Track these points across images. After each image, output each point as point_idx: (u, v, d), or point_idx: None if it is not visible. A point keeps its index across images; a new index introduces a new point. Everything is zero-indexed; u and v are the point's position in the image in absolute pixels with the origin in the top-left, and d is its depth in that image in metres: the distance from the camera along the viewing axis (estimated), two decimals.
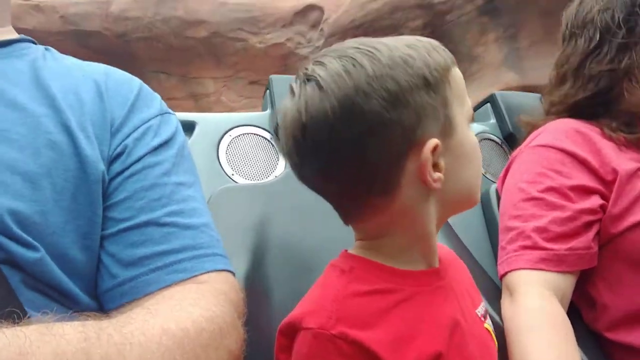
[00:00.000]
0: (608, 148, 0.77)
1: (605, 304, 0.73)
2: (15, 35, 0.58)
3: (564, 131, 0.81)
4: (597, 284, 0.75)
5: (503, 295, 0.72)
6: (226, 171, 0.96)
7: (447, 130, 0.45)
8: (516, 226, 0.75)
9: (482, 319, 0.52)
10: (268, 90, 1.10)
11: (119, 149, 0.53)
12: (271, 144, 1.03)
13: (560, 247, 0.71)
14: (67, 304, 0.47)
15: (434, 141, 0.44)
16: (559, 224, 0.73)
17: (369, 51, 0.43)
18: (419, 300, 0.46)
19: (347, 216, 0.50)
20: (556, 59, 0.91)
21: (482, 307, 0.54)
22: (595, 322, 0.76)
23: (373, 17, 5.36)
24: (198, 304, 0.46)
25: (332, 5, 5.65)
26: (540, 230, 0.73)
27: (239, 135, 1.01)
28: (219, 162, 0.96)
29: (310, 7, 5.78)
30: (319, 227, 0.79)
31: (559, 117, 0.87)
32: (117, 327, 0.41)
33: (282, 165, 1.00)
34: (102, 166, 0.51)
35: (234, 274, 0.55)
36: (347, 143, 0.43)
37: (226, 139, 1.00)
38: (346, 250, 0.51)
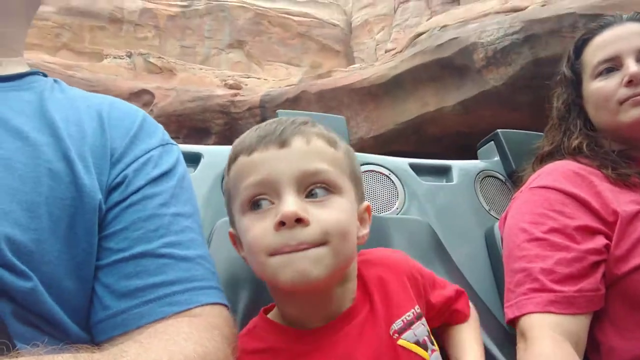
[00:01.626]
0: (607, 190, 0.77)
1: (612, 347, 0.71)
2: (26, 68, 0.60)
3: (562, 173, 0.82)
4: (604, 327, 0.73)
5: (517, 341, 0.71)
6: None
7: (233, 220, 0.57)
8: (522, 268, 0.74)
9: (396, 335, 0.55)
10: None
11: (118, 179, 0.53)
12: None
13: (569, 289, 0.70)
14: (57, 336, 0.46)
15: (230, 231, 0.59)
16: (565, 265, 0.71)
17: None
18: (302, 358, 0.51)
19: None
20: None
21: (400, 322, 0.56)
22: None
23: (189, 112, 8.31)
24: (191, 338, 0.46)
25: (161, 95, 8.29)
26: (547, 272, 0.72)
27: None
28: (223, 194, 0.97)
29: (143, 91, 8.26)
30: None
31: (556, 159, 0.89)
32: None
33: None
34: (99, 196, 0.51)
35: (228, 307, 0.55)
36: None
37: None
38: (262, 311, 0.59)
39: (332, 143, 0.55)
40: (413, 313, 0.58)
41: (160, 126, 0.63)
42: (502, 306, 0.88)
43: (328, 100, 8.01)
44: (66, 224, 0.48)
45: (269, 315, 0.59)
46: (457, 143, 6.82)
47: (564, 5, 6.05)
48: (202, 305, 0.51)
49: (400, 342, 0.55)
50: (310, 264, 0.48)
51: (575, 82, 0.91)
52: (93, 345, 0.45)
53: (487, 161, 1.27)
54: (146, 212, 0.53)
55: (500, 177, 1.22)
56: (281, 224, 0.48)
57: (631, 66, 0.81)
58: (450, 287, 0.68)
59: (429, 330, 0.59)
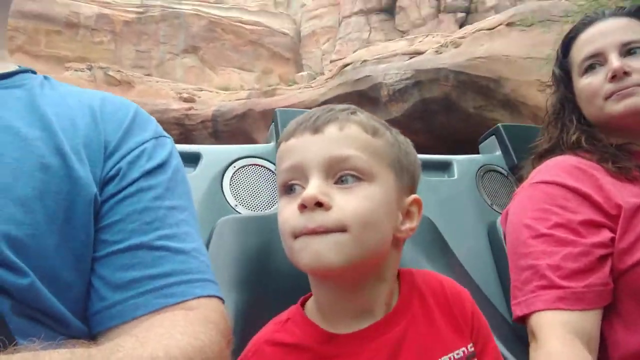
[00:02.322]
0: (609, 184, 0.76)
1: (617, 341, 0.70)
2: (14, 67, 0.59)
3: (563, 168, 0.81)
4: (611, 321, 0.71)
5: (530, 340, 0.70)
6: (230, 202, 0.96)
7: None
8: (529, 265, 0.73)
9: None
10: (273, 123, 1.11)
11: (112, 172, 0.53)
12: (275, 175, 1.03)
13: (577, 284, 0.69)
14: (57, 328, 0.46)
15: None
16: (572, 260, 0.70)
17: None
18: None
19: None
20: None
21: (448, 357, 0.51)
22: (608, 357, 0.72)
23: None
24: (187, 332, 0.45)
25: None
26: (554, 268, 0.70)
27: (243, 167, 1.02)
28: (223, 193, 0.96)
29: None
30: None
31: (555, 154, 0.88)
32: (105, 355, 0.40)
33: None
34: (94, 188, 0.50)
35: (223, 300, 0.54)
36: None
37: (230, 171, 1.00)
38: (300, 302, 0.57)
39: (370, 130, 0.53)
40: (464, 352, 0.53)
41: (153, 119, 0.62)
42: (506, 301, 0.88)
43: (270, 119, 9.56)
44: (62, 217, 0.48)
45: (306, 306, 0.57)
46: None
47: (440, 61, 8.96)
48: (198, 297, 0.50)
49: None
50: (326, 248, 0.47)
51: (566, 80, 0.91)
52: (90, 339, 0.46)
53: (488, 155, 1.26)
54: (141, 205, 0.52)
55: (502, 171, 1.21)
56: (303, 206, 0.48)
57: (614, 61, 0.81)
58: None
59: None
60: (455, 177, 1.17)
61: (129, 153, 0.55)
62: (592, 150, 0.83)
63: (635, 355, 0.68)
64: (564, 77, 0.91)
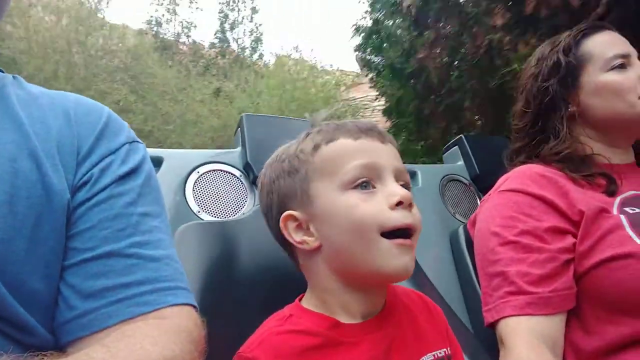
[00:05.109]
0: (573, 191, 0.79)
1: (575, 342, 0.73)
2: None
3: (529, 176, 0.84)
4: (570, 323, 0.75)
5: (499, 346, 0.72)
6: (192, 208, 0.93)
7: (304, 201, 0.55)
8: (498, 272, 0.76)
9: None
10: (239, 128, 1.09)
11: (85, 178, 0.52)
12: (240, 181, 1.02)
13: (544, 290, 0.71)
14: (22, 338, 0.44)
15: (285, 213, 0.56)
16: (538, 267, 0.73)
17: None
18: (336, 349, 0.51)
19: None
20: None
21: (431, 356, 0.55)
22: (565, 358, 0.75)
23: None
24: (159, 342, 0.44)
25: None
26: (522, 274, 0.73)
27: (207, 172, 1.00)
28: (185, 199, 0.94)
29: None
30: (285, 265, 0.77)
31: (521, 163, 0.91)
32: None
33: (250, 203, 0.98)
34: (67, 195, 0.49)
35: (197, 308, 0.53)
36: (265, 220, 0.62)
37: (194, 176, 0.98)
38: (297, 300, 0.59)
39: None
40: (445, 353, 0.57)
41: (125, 124, 0.61)
42: (467, 309, 0.89)
43: None
44: (32, 223, 0.46)
45: (301, 304, 0.58)
46: None
47: None
48: (171, 305, 0.49)
49: None
50: (411, 262, 0.51)
51: (573, 72, 0.89)
52: (58, 350, 0.44)
53: (451, 165, 1.29)
54: (113, 211, 0.51)
55: (464, 180, 1.24)
56: (400, 203, 0.51)
57: None
58: None
59: None
60: (420, 185, 1.19)
61: (101, 159, 0.54)
62: (561, 159, 0.86)
63: (592, 356, 0.72)
64: (571, 68, 0.89)
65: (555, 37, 0.95)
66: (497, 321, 0.72)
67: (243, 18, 12.47)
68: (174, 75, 8.96)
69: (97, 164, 0.53)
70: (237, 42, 12.25)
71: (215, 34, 12.19)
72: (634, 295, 0.69)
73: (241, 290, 0.77)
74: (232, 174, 1.02)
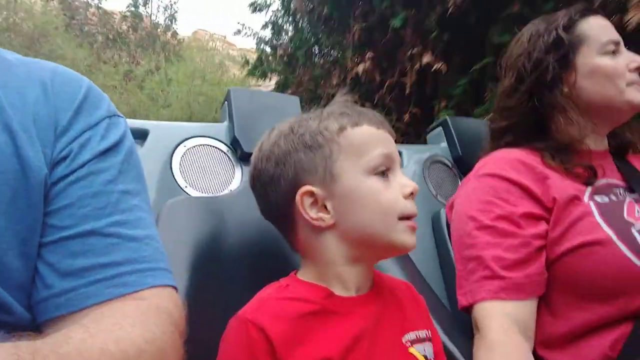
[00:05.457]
0: (550, 178, 0.81)
1: (543, 325, 0.77)
2: None
3: (507, 161, 0.85)
4: (539, 308, 0.78)
5: (474, 330, 0.75)
6: (179, 183, 0.93)
7: (327, 180, 0.56)
8: (474, 255, 0.77)
9: (408, 343, 0.58)
10: (226, 102, 1.08)
11: (63, 153, 0.50)
12: (227, 157, 1.01)
13: (517, 275, 0.74)
14: (0, 317, 0.43)
15: (303, 188, 0.56)
16: (513, 251, 0.75)
17: (271, 130, 0.62)
18: (330, 317, 0.54)
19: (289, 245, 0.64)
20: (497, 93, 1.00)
21: (413, 334, 0.59)
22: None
23: None
24: (138, 323, 0.44)
25: None
26: (497, 258, 0.75)
27: (195, 147, 0.99)
28: (172, 174, 0.93)
29: None
30: (273, 242, 0.78)
31: (500, 147, 0.92)
32: (54, 348, 0.38)
33: (238, 179, 0.98)
34: (45, 169, 0.48)
35: (176, 289, 0.53)
36: (259, 189, 0.62)
37: (180, 150, 0.97)
38: (292, 274, 0.62)
39: None
40: (426, 334, 0.60)
41: (106, 96, 0.59)
42: (447, 290, 0.92)
43: None
44: (8, 198, 0.45)
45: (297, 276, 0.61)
46: None
47: None
48: (151, 287, 0.49)
49: (412, 350, 0.57)
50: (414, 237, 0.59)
51: (571, 51, 0.88)
52: (35, 328, 0.44)
53: (435, 146, 1.31)
54: (93, 189, 0.50)
55: (447, 162, 1.26)
56: (411, 194, 0.58)
57: (638, 56, 0.88)
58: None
59: None
60: (404, 166, 1.20)
61: (81, 133, 0.52)
62: (541, 146, 0.87)
63: (557, 340, 0.76)
64: (569, 46, 0.89)
65: (548, 15, 0.94)
66: (472, 305, 0.75)
67: None
68: (85, 55, 8.68)
69: (76, 138, 0.51)
70: (150, 17, 12.12)
71: (128, 6, 11.98)
72: (602, 281, 0.72)
73: (229, 265, 0.78)
74: (219, 149, 1.01)
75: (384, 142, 0.58)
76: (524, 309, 0.74)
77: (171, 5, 12.63)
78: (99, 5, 11.65)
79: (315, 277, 0.59)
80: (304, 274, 0.60)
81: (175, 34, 12.37)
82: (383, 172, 0.57)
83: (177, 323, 0.49)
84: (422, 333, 0.60)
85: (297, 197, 0.56)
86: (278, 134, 0.60)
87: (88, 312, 0.45)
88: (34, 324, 0.46)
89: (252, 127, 1.03)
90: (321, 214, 0.56)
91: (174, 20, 12.43)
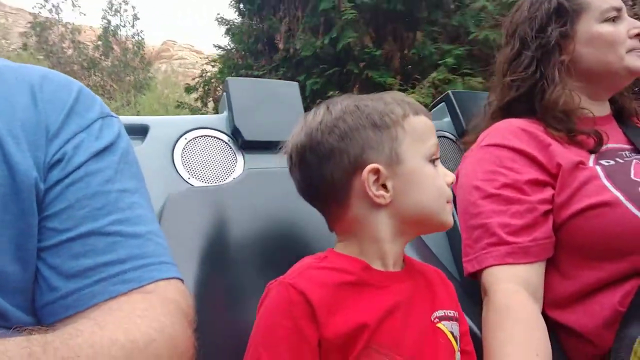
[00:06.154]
0: (553, 145, 0.81)
1: (552, 286, 0.77)
2: None
3: (510, 131, 0.85)
4: (548, 269, 0.78)
5: (482, 295, 0.75)
6: (182, 175, 0.93)
7: (392, 160, 0.58)
8: (480, 223, 0.78)
9: (437, 320, 0.60)
10: (225, 93, 1.08)
11: (57, 156, 0.50)
12: (229, 146, 1.01)
13: (524, 239, 0.74)
14: None
15: (372, 165, 0.57)
16: (519, 217, 0.75)
17: (329, 105, 0.62)
18: (367, 288, 0.57)
19: (327, 221, 0.64)
20: (496, 64, 0.98)
21: (442, 312, 0.61)
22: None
23: None
24: (146, 315, 0.45)
25: None
26: (503, 225, 0.75)
27: (195, 138, 0.99)
28: (175, 166, 0.94)
29: None
30: (277, 228, 0.79)
31: (500, 118, 0.91)
32: (64, 340, 0.38)
33: (240, 168, 0.99)
34: (34, 173, 0.48)
35: (182, 281, 0.54)
36: (311, 160, 0.60)
37: (181, 142, 0.97)
38: (331, 249, 0.63)
39: None
40: (453, 314, 0.63)
41: (98, 98, 0.59)
42: (454, 261, 0.92)
43: None
44: None
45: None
46: None
47: None
48: (156, 281, 0.50)
49: (440, 325, 0.60)
50: None
51: (572, 18, 0.88)
52: (44, 327, 0.43)
53: (438, 122, 1.29)
54: (90, 190, 0.50)
55: (451, 136, 1.25)
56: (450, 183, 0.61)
57: (638, 22, 0.87)
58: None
59: None
60: None
61: (73, 136, 0.52)
62: (545, 114, 0.86)
63: (567, 299, 0.76)
64: (572, 13, 0.88)
65: None
66: (480, 271, 0.75)
67: (126, 24, 13.86)
68: None
69: (69, 140, 0.51)
70: (120, 45, 13.45)
71: (99, 38, 13.42)
72: (610, 240, 0.72)
73: (235, 252, 0.79)
74: (219, 139, 1.01)
75: (435, 134, 0.62)
76: (532, 272, 0.74)
77: (138, 34, 14.05)
78: (73, 39, 12.86)
79: (355, 251, 0.60)
80: (344, 249, 0.61)
81: (143, 59, 13.75)
82: (434, 161, 0.61)
83: (186, 312, 0.50)
84: (450, 312, 0.62)
85: (364, 173, 0.57)
86: (342, 109, 0.60)
87: (96, 309, 0.46)
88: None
89: (252, 115, 1.03)
90: (382, 192, 0.58)
91: (141, 47, 13.78)
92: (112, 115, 0.58)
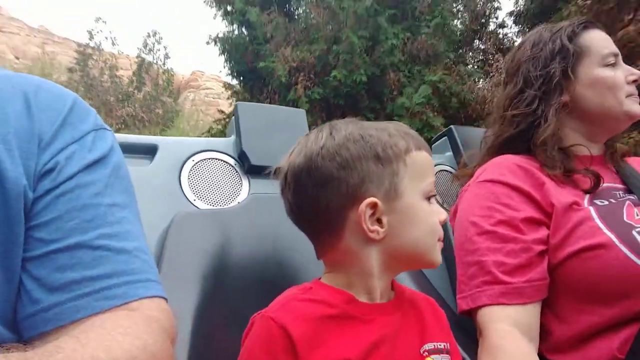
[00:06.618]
0: (548, 183, 0.82)
1: (551, 330, 0.77)
2: None
3: (506, 167, 0.86)
4: (544, 313, 0.78)
5: (478, 334, 0.75)
6: (188, 196, 0.95)
7: (391, 195, 0.57)
8: (475, 260, 0.77)
9: (426, 353, 0.59)
10: (234, 117, 1.10)
11: (49, 165, 0.49)
12: (235, 170, 1.03)
13: (518, 280, 0.74)
14: None
15: (371, 199, 0.56)
16: (514, 256, 0.75)
17: (332, 129, 0.59)
18: (351, 321, 0.55)
19: (316, 251, 0.62)
20: (496, 101, 1.00)
21: (432, 345, 0.60)
22: (540, 345, 0.79)
23: None
24: (129, 332, 0.44)
25: None
26: (498, 264, 0.75)
27: (203, 160, 1.01)
28: (181, 187, 0.95)
29: None
30: (279, 254, 0.80)
31: (496, 154, 0.93)
32: (43, 358, 0.37)
33: (245, 192, 1.00)
34: (23, 181, 0.47)
35: (166, 299, 0.53)
36: (306, 185, 0.58)
37: (189, 164, 0.99)
38: (317, 279, 0.62)
39: None
40: (444, 346, 0.61)
41: (93, 110, 0.58)
42: (453, 295, 0.93)
43: None
44: None
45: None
46: None
47: None
48: (141, 298, 0.49)
49: (429, 359, 0.58)
50: None
51: (574, 61, 0.90)
52: (23, 343, 0.43)
53: (440, 155, 1.32)
54: (80, 202, 0.49)
55: (453, 171, 1.27)
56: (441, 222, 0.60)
57: (635, 70, 0.90)
58: None
59: None
60: None
61: (66, 146, 0.51)
62: (539, 153, 0.88)
63: (565, 344, 0.75)
64: (574, 56, 0.90)
65: (551, 24, 0.97)
66: (474, 309, 0.75)
67: (157, 61, 15.79)
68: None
69: (61, 150, 0.51)
70: (152, 81, 15.23)
71: (134, 74, 15.13)
72: (605, 284, 0.72)
73: (237, 275, 0.79)
74: (226, 162, 1.03)
75: (433, 171, 0.62)
76: (526, 313, 0.74)
77: (168, 71, 15.92)
78: (112, 75, 14.54)
79: (341, 284, 0.59)
80: (330, 280, 0.60)
81: (171, 93, 15.57)
82: (429, 199, 0.60)
83: (169, 331, 0.49)
84: (441, 345, 0.61)
85: (362, 207, 0.56)
86: (346, 136, 0.58)
87: (78, 325, 0.45)
88: (17, 342, 0.44)
89: (259, 140, 1.05)
90: (377, 227, 0.57)
91: (170, 83, 15.66)
92: (105, 128, 0.57)
